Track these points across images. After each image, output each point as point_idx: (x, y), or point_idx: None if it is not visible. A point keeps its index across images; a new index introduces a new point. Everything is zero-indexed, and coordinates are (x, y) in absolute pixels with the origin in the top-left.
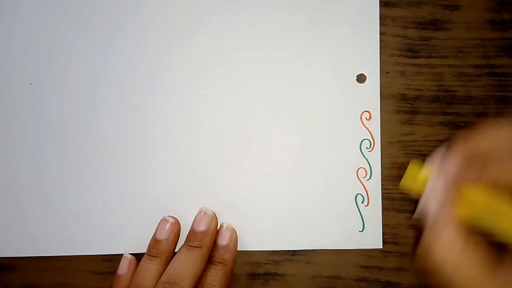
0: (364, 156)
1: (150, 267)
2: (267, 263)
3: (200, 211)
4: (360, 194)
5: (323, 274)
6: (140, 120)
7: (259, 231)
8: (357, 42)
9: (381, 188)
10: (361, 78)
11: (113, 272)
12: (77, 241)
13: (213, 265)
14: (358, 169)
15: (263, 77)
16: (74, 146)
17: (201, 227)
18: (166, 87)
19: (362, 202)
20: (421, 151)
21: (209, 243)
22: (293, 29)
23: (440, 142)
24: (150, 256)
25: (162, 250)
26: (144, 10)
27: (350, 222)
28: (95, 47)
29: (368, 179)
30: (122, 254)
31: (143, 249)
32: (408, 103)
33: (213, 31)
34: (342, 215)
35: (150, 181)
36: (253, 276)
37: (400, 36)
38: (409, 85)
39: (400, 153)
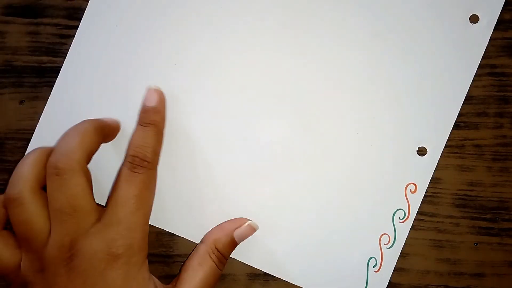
0: (393, 225)
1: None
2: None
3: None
4: (374, 257)
5: None
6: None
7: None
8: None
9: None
10: (422, 151)
11: None
12: None
13: (142, 127)
14: (382, 235)
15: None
16: None
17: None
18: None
19: (374, 266)
20: None
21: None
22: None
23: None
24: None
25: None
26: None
27: (354, 280)
28: None
29: (389, 247)
30: None
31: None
32: None
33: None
34: (349, 271)
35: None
36: (253, 276)
37: None
38: None
39: None
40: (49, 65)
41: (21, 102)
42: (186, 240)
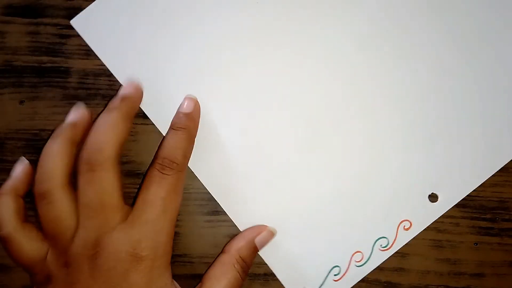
0: (372, 248)
1: None
2: (267, 263)
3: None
4: (339, 267)
5: None
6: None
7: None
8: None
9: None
10: (433, 197)
11: None
12: None
13: (174, 130)
14: (356, 252)
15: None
16: None
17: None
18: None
19: (335, 275)
20: None
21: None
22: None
23: None
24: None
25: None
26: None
27: (311, 278)
28: None
29: (359, 266)
30: None
31: None
32: None
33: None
34: (311, 267)
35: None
36: (253, 276)
37: None
38: None
39: None
40: (49, 65)
41: (21, 102)
42: (186, 241)
